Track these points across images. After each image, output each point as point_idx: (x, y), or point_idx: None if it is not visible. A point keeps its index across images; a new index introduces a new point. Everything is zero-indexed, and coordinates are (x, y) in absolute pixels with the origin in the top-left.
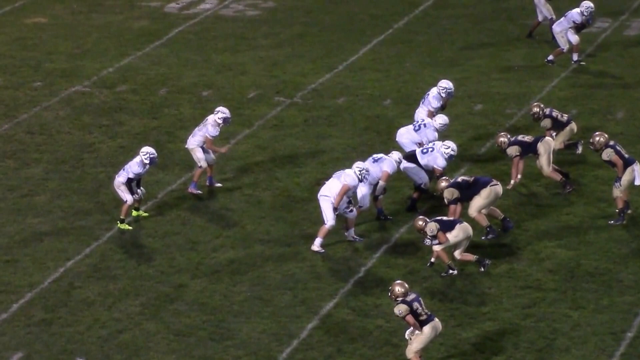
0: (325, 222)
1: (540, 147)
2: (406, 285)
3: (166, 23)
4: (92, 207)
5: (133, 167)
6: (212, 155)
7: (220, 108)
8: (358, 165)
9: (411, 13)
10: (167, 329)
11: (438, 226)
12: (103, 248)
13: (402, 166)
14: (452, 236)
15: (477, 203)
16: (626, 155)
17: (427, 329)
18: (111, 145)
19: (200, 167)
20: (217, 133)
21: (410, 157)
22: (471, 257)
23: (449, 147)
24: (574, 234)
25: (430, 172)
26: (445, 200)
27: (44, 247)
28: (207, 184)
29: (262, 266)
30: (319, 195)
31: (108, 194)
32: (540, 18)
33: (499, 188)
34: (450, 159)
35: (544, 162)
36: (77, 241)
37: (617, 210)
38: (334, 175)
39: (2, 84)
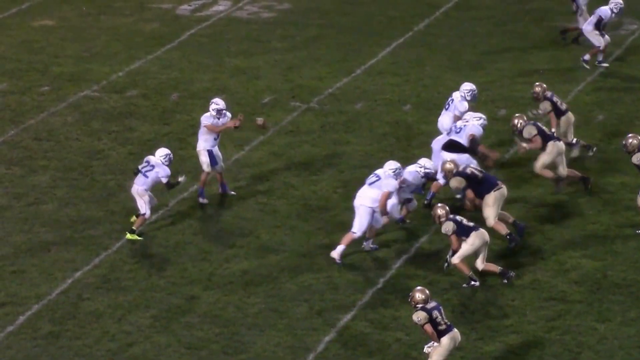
0: (355, 232)
1: (550, 145)
2: (427, 292)
3: (178, 25)
4: (101, 216)
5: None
6: (221, 163)
7: (215, 99)
8: (390, 166)
9: (432, 15)
10: (178, 342)
11: (455, 228)
12: (112, 258)
13: (443, 157)
14: (468, 244)
15: (489, 212)
16: None
17: (445, 339)
18: (121, 152)
19: (204, 171)
20: (212, 121)
21: (449, 146)
22: (495, 268)
23: (481, 117)
24: (600, 243)
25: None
26: (452, 188)
27: (51, 257)
28: (220, 191)
29: (277, 277)
30: (357, 203)
31: (118, 203)
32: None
33: (504, 190)
34: (484, 128)
35: (541, 161)
36: (85, 251)
37: None
38: (367, 183)
39: (8, 89)
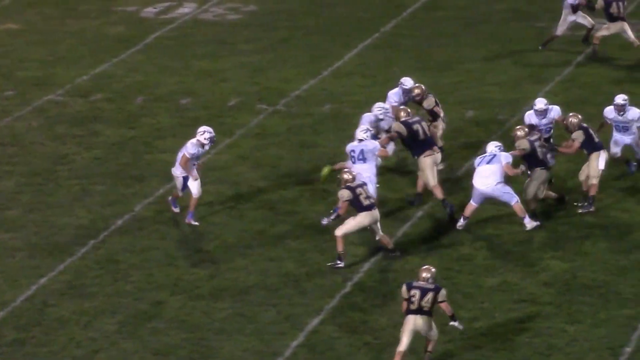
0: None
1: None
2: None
3: (143, 28)
4: (66, 222)
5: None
6: (198, 190)
7: (205, 127)
8: (496, 144)
9: (399, 16)
10: (145, 348)
11: (350, 197)
12: (78, 264)
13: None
14: (355, 221)
15: (427, 175)
16: (596, 140)
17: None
18: (86, 157)
19: (179, 195)
20: (196, 152)
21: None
22: (388, 243)
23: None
24: (570, 245)
25: None
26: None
27: (16, 263)
28: (172, 207)
29: (245, 282)
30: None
31: (83, 207)
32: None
33: (436, 156)
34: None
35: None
36: (50, 257)
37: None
38: (484, 163)
39: None
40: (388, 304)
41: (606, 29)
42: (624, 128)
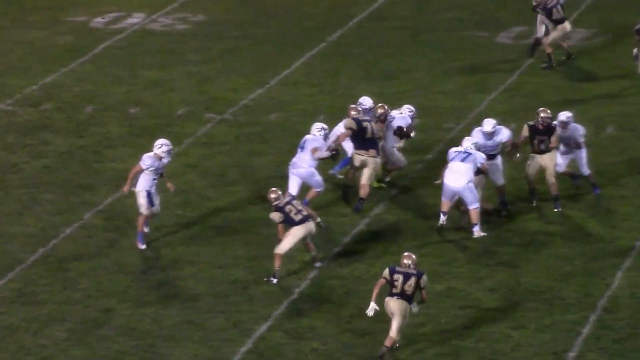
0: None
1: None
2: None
3: (92, 38)
4: (16, 230)
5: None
6: (157, 205)
7: (162, 140)
8: (472, 141)
9: (345, 25)
10: (94, 355)
11: (282, 217)
12: (27, 272)
13: None
14: (291, 236)
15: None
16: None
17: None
18: (36, 166)
19: (142, 214)
20: (151, 164)
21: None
22: (312, 249)
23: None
24: (514, 251)
25: None
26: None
27: None
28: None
29: (193, 289)
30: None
31: (33, 216)
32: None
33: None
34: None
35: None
36: (0, 265)
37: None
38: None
39: None
40: (335, 311)
41: (553, 34)
42: (566, 143)
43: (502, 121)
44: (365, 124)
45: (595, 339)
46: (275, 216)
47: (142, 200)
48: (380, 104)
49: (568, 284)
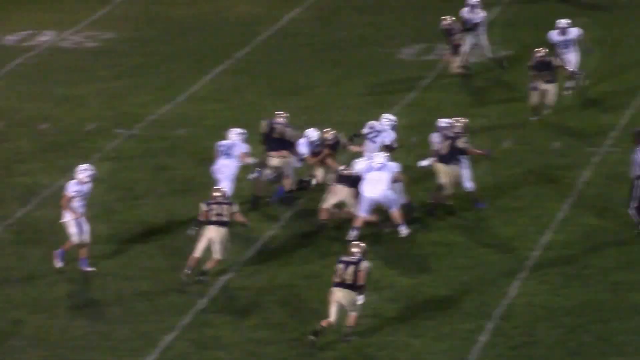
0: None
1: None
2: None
3: (3, 55)
4: None
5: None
6: (87, 232)
7: (84, 165)
8: (383, 154)
9: (251, 42)
10: None
11: (205, 209)
12: None
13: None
14: (202, 236)
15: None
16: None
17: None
18: None
19: (72, 242)
20: (78, 190)
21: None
22: (193, 261)
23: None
24: (414, 261)
25: None
26: None
27: None
28: (57, 260)
29: (101, 300)
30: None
31: None
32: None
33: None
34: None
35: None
36: None
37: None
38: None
39: None
40: (240, 321)
41: (465, 46)
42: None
43: (403, 135)
44: (274, 126)
45: (492, 346)
46: (202, 206)
47: (72, 229)
48: (326, 130)
49: (466, 293)
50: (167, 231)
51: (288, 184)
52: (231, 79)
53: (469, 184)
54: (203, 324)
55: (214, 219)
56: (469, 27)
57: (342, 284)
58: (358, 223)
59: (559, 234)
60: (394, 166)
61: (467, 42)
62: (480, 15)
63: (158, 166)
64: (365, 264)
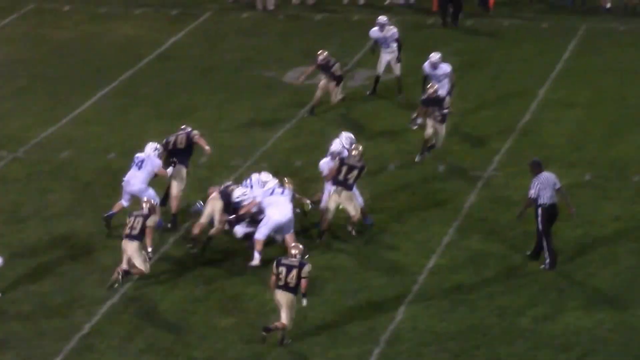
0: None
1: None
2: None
3: None
4: None
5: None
6: None
7: None
8: (265, 178)
9: (136, 65)
10: None
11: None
12: None
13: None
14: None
15: None
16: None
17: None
18: None
19: None
20: None
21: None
22: (117, 273)
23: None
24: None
25: None
26: None
27: None
28: None
29: None
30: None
31: None
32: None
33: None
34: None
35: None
36: None
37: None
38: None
39: None
40: (125, 345)
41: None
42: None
43: (288, 158)
44: (171, 138)
45: None
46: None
47: None
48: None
49: (352, 318)
50: (53, 254)
51: (174, 206)
52: (115, 101)
53: (359, 199)
54: (87, 349)
55: (126, 232)
56: (381, 46)
57: (286, 287)
58: (260, 246)
59: (444, 258)
60: (288, 191)
61: (381, 60)
62: (391, 32)
63: (42, 189)
64: (307, 268)
